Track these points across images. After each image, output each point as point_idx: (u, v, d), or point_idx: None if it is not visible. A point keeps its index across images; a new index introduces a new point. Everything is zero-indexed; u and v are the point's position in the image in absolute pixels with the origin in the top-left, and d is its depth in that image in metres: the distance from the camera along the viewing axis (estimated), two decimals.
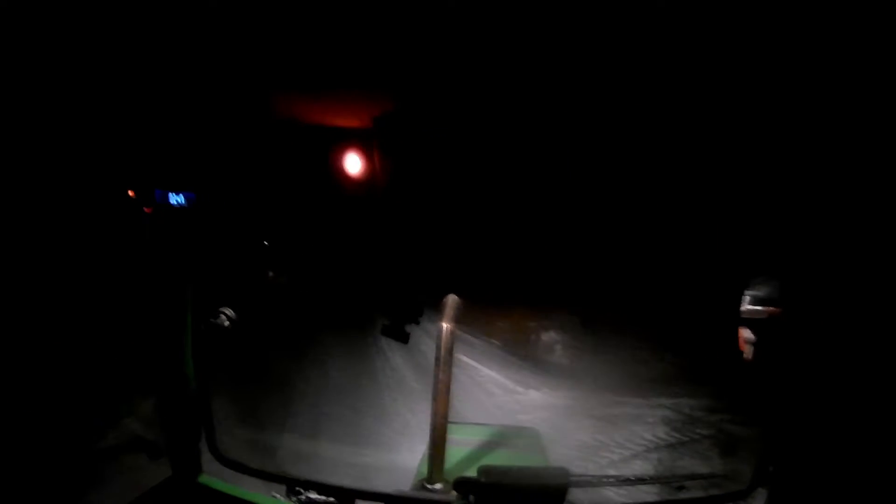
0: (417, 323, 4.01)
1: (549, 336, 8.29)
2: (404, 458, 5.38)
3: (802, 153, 6.15)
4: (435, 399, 3.83)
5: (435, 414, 3.85)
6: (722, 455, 6.54)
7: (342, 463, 5.93)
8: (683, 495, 4.19)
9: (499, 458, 4.52)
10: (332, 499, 3.21)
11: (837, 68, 5.36)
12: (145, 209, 6.59)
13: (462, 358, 7.38)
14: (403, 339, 3.96)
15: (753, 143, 6.24)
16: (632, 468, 6.39)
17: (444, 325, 3.95)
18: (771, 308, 6.45)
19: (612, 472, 6.26)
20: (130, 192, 6.69)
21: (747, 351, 6.76)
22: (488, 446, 4.73)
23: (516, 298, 7.98)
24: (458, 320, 4.93)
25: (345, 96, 5.68)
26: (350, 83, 5.51)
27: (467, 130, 6.19)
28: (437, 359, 3.89)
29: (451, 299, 4.16)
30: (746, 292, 6.80)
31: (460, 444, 4.66)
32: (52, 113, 5.62)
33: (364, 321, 8.60)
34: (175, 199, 6.44)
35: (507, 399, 7.23)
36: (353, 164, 5.84)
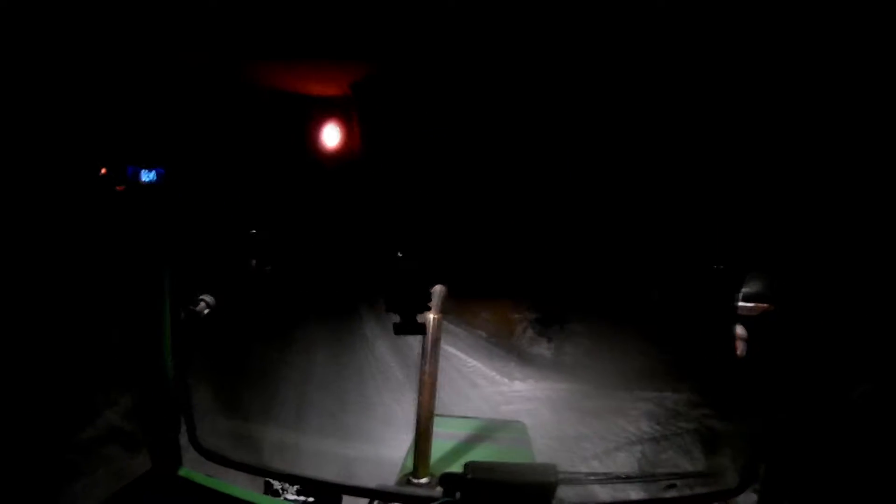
0: (429, 309, 3.95)
1: (534, 328, 8.28)
2: (390, 451, 5.36)
3: (794, 150, 6.15)
4: (421, 391, 3.78)
5: (420, 406, 3.80)
6: (704, 450, 6.56)
7: (327, 455, 5.89)
8: (672, 493, 4.19)
9: (485, 453, 4.50)
10: (311, 499, 3.18)
11: (828, 66, 5.36)
12: (118, 188, 6.44)
13: (447, 349, 7.35)
14: (420, 330, 3.90)
15: (746, 139, 6.23)
16: (614, 460, 6.41)
17: (431, 316, 3.91)
18: (763, 304, 6.43)
19: (595, 463, 6.28)
20: (103, 170, 6.55)
21: (739, 348, 6.75)
22: (474, 440, 4.70)
23: (502, 290, 7.98)
24: (444, 311, 4.90)
25: (319, 61, 5.58)
26: (324, 46, 5.42)
27: (453, 105, 6.12)
28: (424, 350, 3.84)
29: (438, 289, 4.11)
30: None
31: (446, 438, 4.63)
32: (14, 90, 5.53)
33: (349, 311, 8.55)
34: (146, 176, 6.26)
35: (492, 390, 7.21)
36: (332, 136, 5.70)
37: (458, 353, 7.59)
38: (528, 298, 8.05)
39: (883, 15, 4.56)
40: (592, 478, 3.77)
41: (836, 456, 5.60)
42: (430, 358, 3.78)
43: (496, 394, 7.11)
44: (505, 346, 7.92)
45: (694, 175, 6.85)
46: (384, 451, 5.62)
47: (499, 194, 6.95)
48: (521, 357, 7.80)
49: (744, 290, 6.72)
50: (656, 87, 5.90)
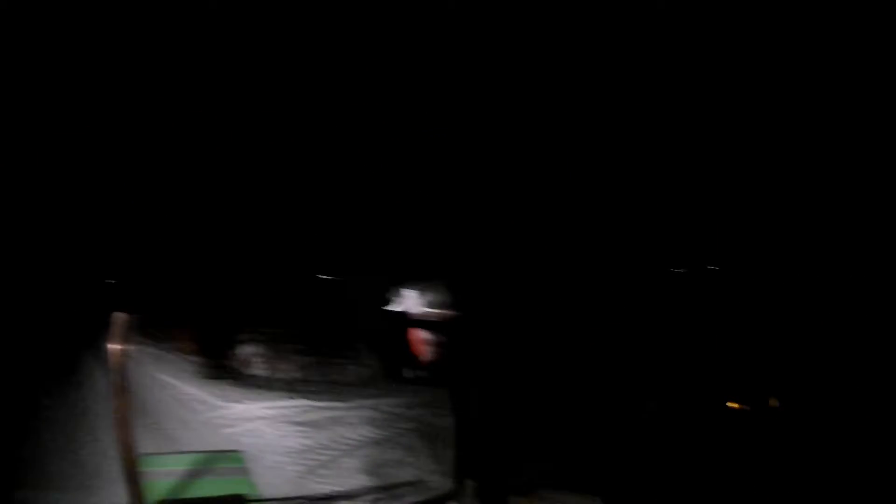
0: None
1: (246, 349, 8.26)
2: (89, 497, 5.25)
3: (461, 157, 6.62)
4: (119, 430, 3.64)
5: (122, 446, 3.68)
6: (427, 444, 6.93)
7: None
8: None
9: (202, 488, 4.51)
10: None
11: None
12: None
13: (162, 378, 7.12)
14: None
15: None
16: (341, 467, 6.58)
17: (113, 347, 3.78)
18: (441, 311, 6.96)
19: (323, 472, 6.42)
20: None
21: (425, 351, 7.24)
22: (192, 476, 4.68)
23: (210, 312, 7.86)
24: (154, 338, 4.77)
25: None
26: None
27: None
28: (113, 385, 3.70)
29: (120, 317, 3.97)
30: (416, 294, 7.30)
31: (165, 476, 4.56)
32: None
33: (68, 342, 7.99)
34: None
35: (213, 415, 7.08)
36: None
37: (174, 381, 7.38)
38: (238, 320, 7.99)
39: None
40: (294, 500, 3.90)
41: (538, 443, 6.14)
42: (121, 393, 3.67)
43: (217, 417, 7.00)
44: (220, 368, 7.81)
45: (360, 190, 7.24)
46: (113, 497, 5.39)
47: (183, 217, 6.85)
48: (238, 378, 7.75)
49: (423, 296, 7.15)
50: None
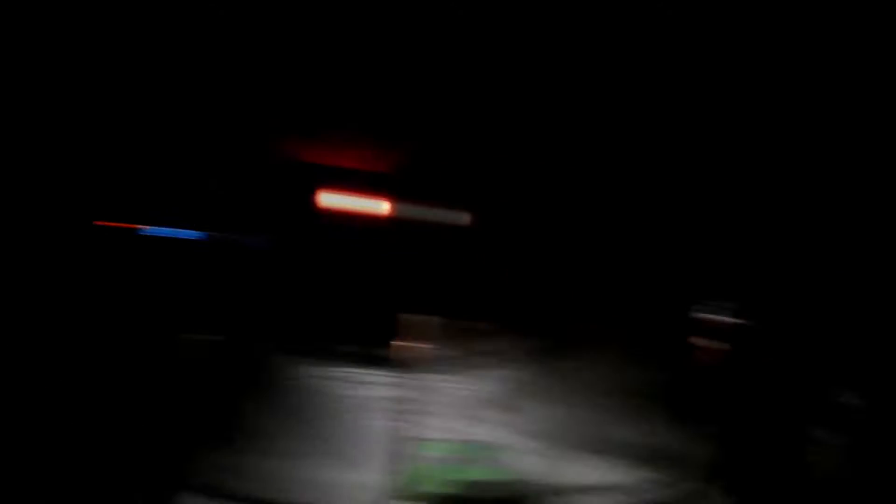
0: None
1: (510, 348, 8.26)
2: (369, 475, 5.47)
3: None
4: (401, 416, 3.92)
5: (400, 431, 3.94)
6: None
7: (307, 481, 5.92)
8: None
9: (465, 474, 4.67)
10: None
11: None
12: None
13: (433, 374, 7.36)
14: None
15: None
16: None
17: (416, 345, 4.06)
18: (731, 319, 6.64)
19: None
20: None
21: (706, 356, 6.93)
22: (453, 462, 4.87)
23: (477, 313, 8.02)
24: (433, 338, 5.04)
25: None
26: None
27: None
28: (407, 375, 3.99)
29: (422, 319, 4.27)
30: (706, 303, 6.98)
31: (427, 461, 4.80)
32: None
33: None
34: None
35: (486, 414, 7.18)
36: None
37: (445, 378, 7.60)
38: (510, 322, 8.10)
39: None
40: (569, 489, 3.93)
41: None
42: (411, 382, 3.93)
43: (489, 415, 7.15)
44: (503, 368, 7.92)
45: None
46: (364, 475, 5.63)
47: None
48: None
49: (713, 304, 6.91)
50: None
